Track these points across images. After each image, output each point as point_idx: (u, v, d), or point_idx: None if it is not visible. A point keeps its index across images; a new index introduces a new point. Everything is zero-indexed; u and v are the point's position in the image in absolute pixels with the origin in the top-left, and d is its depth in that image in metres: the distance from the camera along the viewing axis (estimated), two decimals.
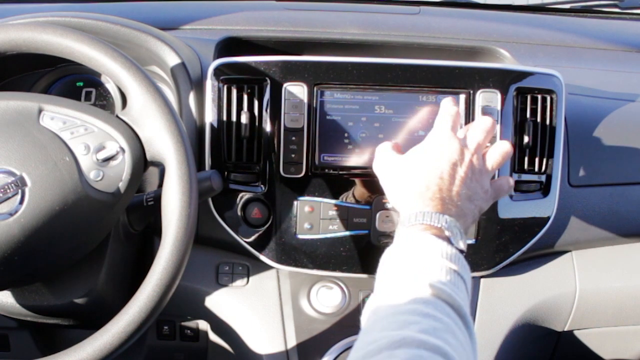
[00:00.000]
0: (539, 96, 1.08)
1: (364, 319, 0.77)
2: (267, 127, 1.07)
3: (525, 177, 1.09)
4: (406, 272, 0.78)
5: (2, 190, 0.85)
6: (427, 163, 0.91)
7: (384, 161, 0.98)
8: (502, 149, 0.96)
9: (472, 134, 0.95)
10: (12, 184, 0.85)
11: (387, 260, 0.83)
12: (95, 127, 0.89)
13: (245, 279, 1.15)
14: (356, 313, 1.13)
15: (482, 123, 0.96)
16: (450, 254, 0.80)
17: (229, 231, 1.09)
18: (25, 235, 0.85)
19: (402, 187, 0.92)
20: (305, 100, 1.06)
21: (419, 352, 0.64)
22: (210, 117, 1.07)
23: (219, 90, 1.06)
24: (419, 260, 0.79)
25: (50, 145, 0.87)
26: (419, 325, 0.68)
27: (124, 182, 0.89)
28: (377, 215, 1.08)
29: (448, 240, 0.82)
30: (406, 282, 0.77)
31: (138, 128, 0.89)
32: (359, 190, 1.08)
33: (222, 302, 1.15)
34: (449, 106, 0.98)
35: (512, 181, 1.00)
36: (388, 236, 1.07)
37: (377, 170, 0.99)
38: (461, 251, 0.83)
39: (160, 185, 0.92)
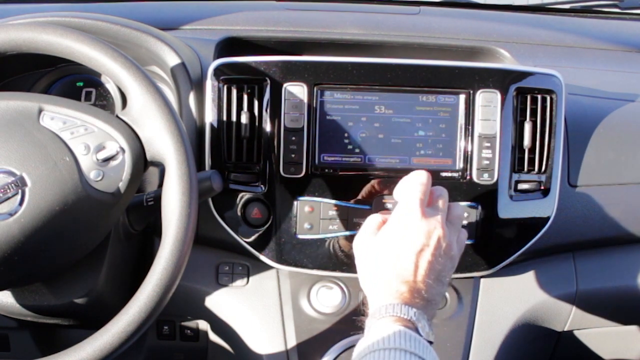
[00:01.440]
0: (539, 96, 1.08)
1: None
2: (267, 127, 1.07)
3: (525, 177, 1.09)
4: None
5: (2, 190, 0.85)
6: (394, 253, 0.89)
7: (361, 240, 0.95)
8: (459, 211, 0.96)
9: (435, 201, 0.93)
10: (12, 184, 0.85)
11: (362, 353, 0.83)
12: (95, 127, 0.89)
13: (245, 279, 1.15)
14: (356, 313, 1.13)
15: (438, 190, 0.94)
16: (421, 345, 0.81)
17: (229, 231, 1.09)
18: (25, 235, 0.85)
19: (372, 277, 0.92)
20: (305, 100, 1.06)
21: None
22: (210, 117, 1.07)
23: (219, 90, 1.06)
24: (392, 352, 0.80)
25: (50, 145, 0.87)
26: None
27: (124, 182, 0.89)
28: None
29: (417, 331, 0.83)
30: None
31: (138, 128, 0.89)
32: (358, 190, 1.08)
33: (222, 302, 1.15)
34: (420, 176, 0.94)
35: (466, 233, 0.98)
36: None
37: (355, 247, 0.96)
38: (430, 342, 0.84)
39: (160, 185, 0.92)
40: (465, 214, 1.08)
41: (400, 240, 0.90)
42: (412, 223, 0.90)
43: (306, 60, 1.08)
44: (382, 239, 0.92)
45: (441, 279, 0.90)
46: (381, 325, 0.84)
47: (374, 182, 1.07)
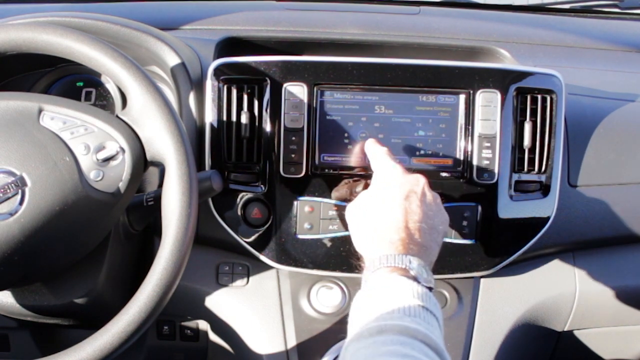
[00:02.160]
0: (539, 96, 1.08)
1: None
2: (267, 127, 1.07)
3: (525, 177, 1.09)
4: (380, 315, 0.79)
5: (2, 190, 0.85)
6: (381, 205, 0.90)
7: (349, 210, 0.97)
8: None
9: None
10: (12, 184, 0.85)
11: (359, 305, 0.83)
12: (95, 127, 0.89)
13: (245, 279, 1.15)
14: None
15: None
16: (420, 292, 0.80)
17: (229, 231, 1.09)
18: (25, 235, 0.85)
19: (364, 233, 0.92)
20: (305, 100, 1.06)
21: None
22: (210, 117, 1.07)
23: (219, 90, 1.06)
24: (390, 302, 0.79)
25: (50, 145, 0.87)
26: None
27: (124, 182, 0.89)
28: None
29: (415, 279, 0.82)
30: (381, 325, 0.77)
31: (138, 128, 0.89)
32: (359, 190, 1.08)
33: (222, 302, 1.15)
34: (376, 146, 1.00)
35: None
36: None
37: (347, 215, 0.98)
38: (430, 288, 0.83)
39: (160, 185, 0.92)
40: (465, 214, 1.08)
41: (387, 191, 0.91)
42: (395, 176, 0.93)
43: (306, 60, 1.08)
44: (368, 200, 0.94)
45: (435, 226, 0.90)
46: (377, 277, 0.83)
47: None
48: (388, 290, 0.81)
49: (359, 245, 0.94)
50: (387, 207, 0.90)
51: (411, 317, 0.77)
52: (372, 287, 0.83)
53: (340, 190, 1.08)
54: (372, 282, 0.84)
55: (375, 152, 1.00)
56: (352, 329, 0.81)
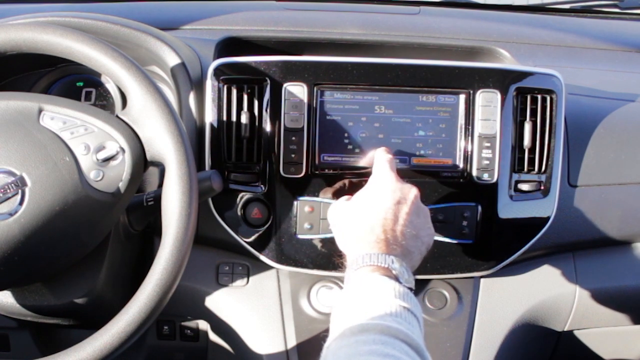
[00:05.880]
0: (539, 96, 1.09)
1: None
2: (267, 127, 1.07)
3: (525, 177, 1.09)
4: (361, 314, 0.79)
5: (2, 190, 0.85)
6: (371, 205, 0.91)
7: (334, 208, 0.99)
8: None
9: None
10: (12, 184, 0.85)
11: (341, 304, 0.83)
12: (95, 127, 0.89)
13: (245, 279, 1.15)
14: None
15: None
16: (401, 292, 0.81)
17: (229, 231, 1.09)
18: (25, 235, 0.85)
19: (348, 232, 0.93)
20: (305, 100, 1.06)
21: None
22: (210, 117, 1.07)
23: (219, 90, 1.06)
24: (372, 301, 0.80)
25: (50, 145, 0.87)
26: None
27: (124, 182, 0.89)
28: None
29: (396, 279, 0.83)
30: (362, 324, 0.77)
31: (138, 128, 0.89)
32: (358, 190, 1.08)
33: (222, 302, 1.15)
34: (384, 153, 1.01)
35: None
36: None
37: (329, 217, 1.01)
38: (410, 289, 0.83)
39: (160, 185, 0.92)
40: (465, 214, 1.08)
41: (378, 193, 0.92)
42: (387, 183, 0.93)
43: (306, 60, 1.08)
44: (358, 199, 0.94)
45: (420, 237, 0.90)
46: (359, 275, 0.84)
47: None
48: (370, 289, 0.81)
49: (342, 243, 0.94)
50: (375, 208, 0.90)
51: (392, 317, 0.77)
52: (354, 286, 0.83)
53: (340, 190, 1.08)
54: (354, 281, 0.84)
55: (379, 158, 1.00)
56: (334, 327, 0.81)
